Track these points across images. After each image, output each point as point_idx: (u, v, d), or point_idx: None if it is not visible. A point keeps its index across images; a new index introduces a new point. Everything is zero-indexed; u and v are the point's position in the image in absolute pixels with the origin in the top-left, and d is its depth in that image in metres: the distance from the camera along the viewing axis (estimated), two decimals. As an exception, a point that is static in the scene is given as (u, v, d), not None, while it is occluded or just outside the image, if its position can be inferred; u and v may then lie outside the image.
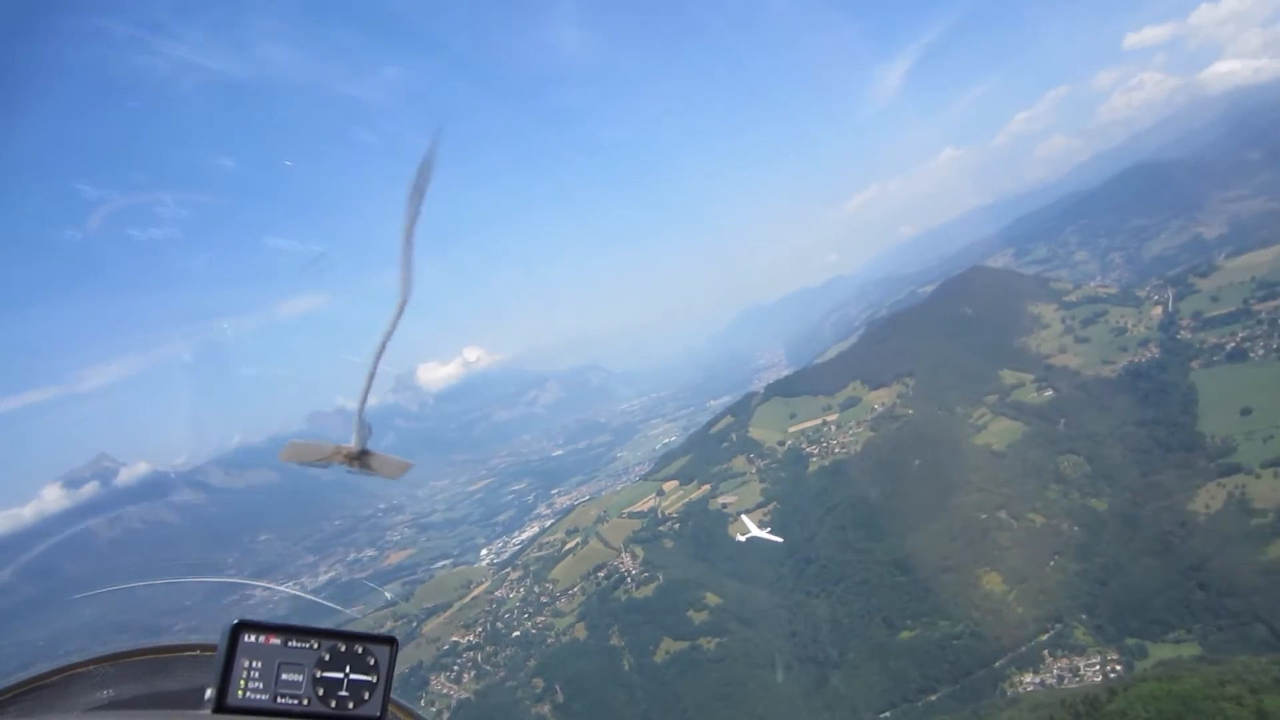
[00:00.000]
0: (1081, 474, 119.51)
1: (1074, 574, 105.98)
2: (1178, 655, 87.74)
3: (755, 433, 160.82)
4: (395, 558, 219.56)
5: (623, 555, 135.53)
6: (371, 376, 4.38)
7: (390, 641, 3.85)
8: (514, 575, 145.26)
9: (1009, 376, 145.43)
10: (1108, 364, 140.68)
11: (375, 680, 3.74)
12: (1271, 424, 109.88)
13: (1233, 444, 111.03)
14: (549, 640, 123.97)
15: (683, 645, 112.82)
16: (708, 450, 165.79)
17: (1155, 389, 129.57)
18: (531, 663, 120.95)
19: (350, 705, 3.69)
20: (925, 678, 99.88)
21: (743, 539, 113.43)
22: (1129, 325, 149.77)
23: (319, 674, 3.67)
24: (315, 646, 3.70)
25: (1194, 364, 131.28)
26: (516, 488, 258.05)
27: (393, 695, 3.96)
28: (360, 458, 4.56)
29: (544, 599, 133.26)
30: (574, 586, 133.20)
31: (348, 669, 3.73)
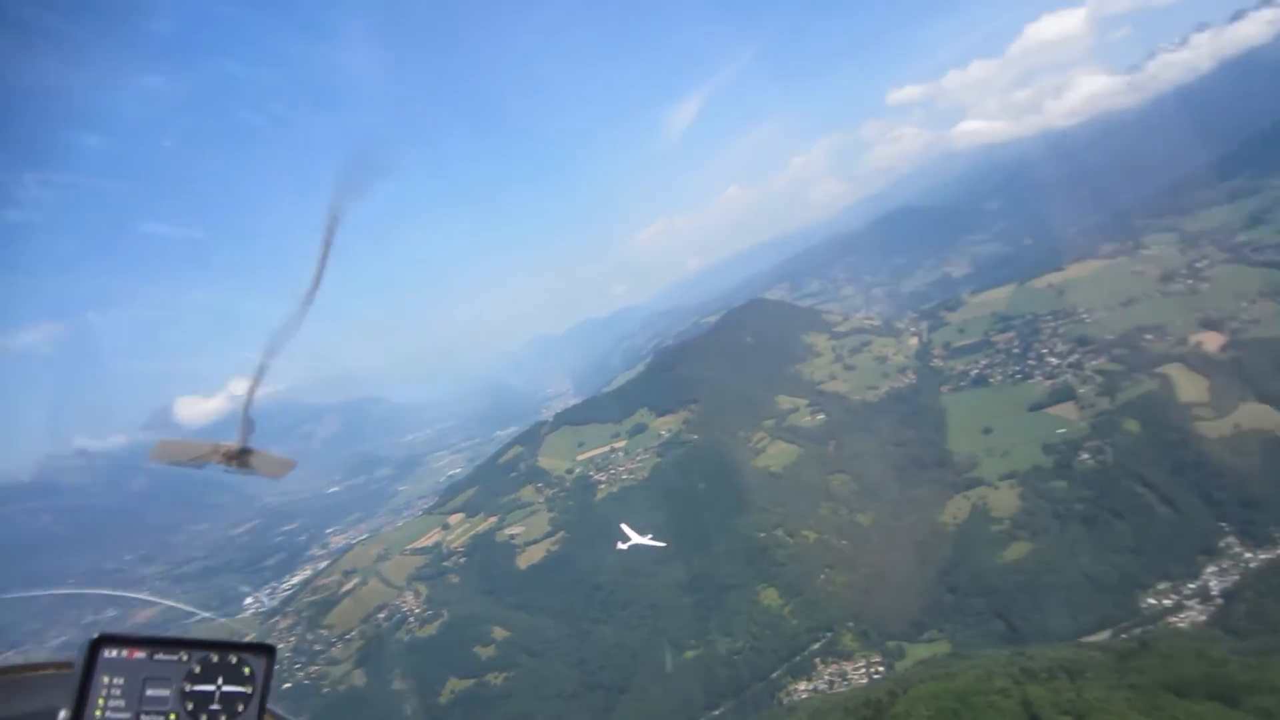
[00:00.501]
0: (850, 491, 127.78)
1: (842, 585, 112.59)
2: (932, 654, 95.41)
3: (544, 462, 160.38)
4: (143, 616, 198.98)
5: (405, 594, 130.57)
6: (261, 370, 4.35)
7: (267, 650, 3.67)
8: (283, 623, 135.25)
9: (785, 401, 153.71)
10: (872, 389, 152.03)
11: (250, 691, 3.49)
12: (1008, 441, 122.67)
13: (976, 460, 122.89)
14: (324, 689, 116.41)
15: (469, 683, 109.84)
16: (495, 481, 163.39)
17: (912, 412, 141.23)
18: (303, 718, 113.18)
19: (223, 719, 3.43)
20: (709, 694, 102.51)
21: (624, 546, 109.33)
22: (890, 354, 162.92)
23: (188, 688, 3.40)
24: (185, 659, 3.44)
25: (944, 389, 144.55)
26: (288, 528, 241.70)
27: (270, 707, 3.76)
28: (240, 456, 4.52)
29: (317, 646, 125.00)
30: (352, 630, 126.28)
31: (220, 681, 3.47)
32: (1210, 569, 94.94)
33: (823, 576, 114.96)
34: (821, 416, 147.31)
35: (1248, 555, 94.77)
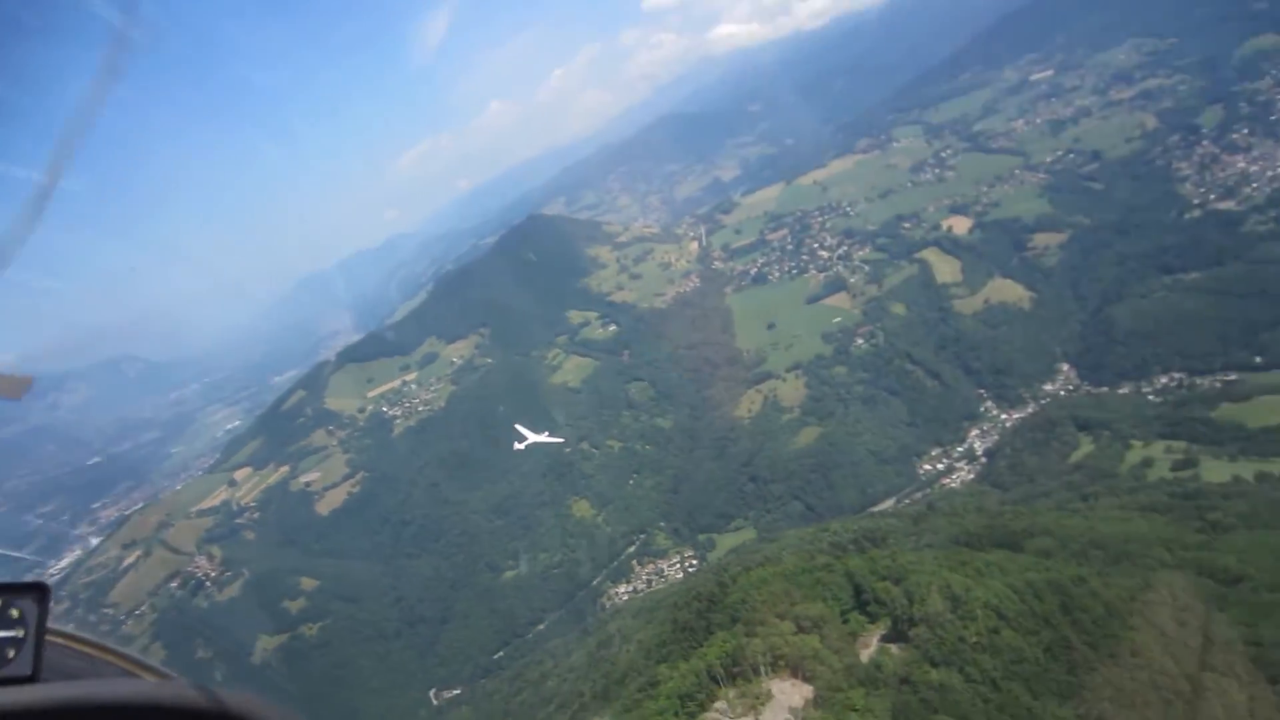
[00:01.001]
0: (648, 398, 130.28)
1: (650, 488, 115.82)
2: (741, 541, 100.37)
3: (332, 403, 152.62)
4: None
5: (198, 559, 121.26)
6: None
7: (38, 589, 3.12)
8: (58, 610, 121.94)
9: (576, 316, 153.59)
10: (659, 296, 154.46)
11: (23, 635, 2.99)
12: (791, 335, 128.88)
13: (764, 354, 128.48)
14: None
15: (282, 638, 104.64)
16: (281, 429, 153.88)
17: (700, 315, 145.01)
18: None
19: None
20: (532, 610, 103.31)
21: (521, 447, 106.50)
22: (673, 260, 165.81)
23: None
24: None
25: (727, 290, 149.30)
26: (45, 510, 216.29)
27: (67, 629, 3.51)
28: None
29: (104, 627, 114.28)
30: (141, 606, 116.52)
31: None
32: (974, 432, 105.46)
33: (631, 482, 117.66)
34: (613, 327, 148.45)
35: (1003, 416, 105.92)
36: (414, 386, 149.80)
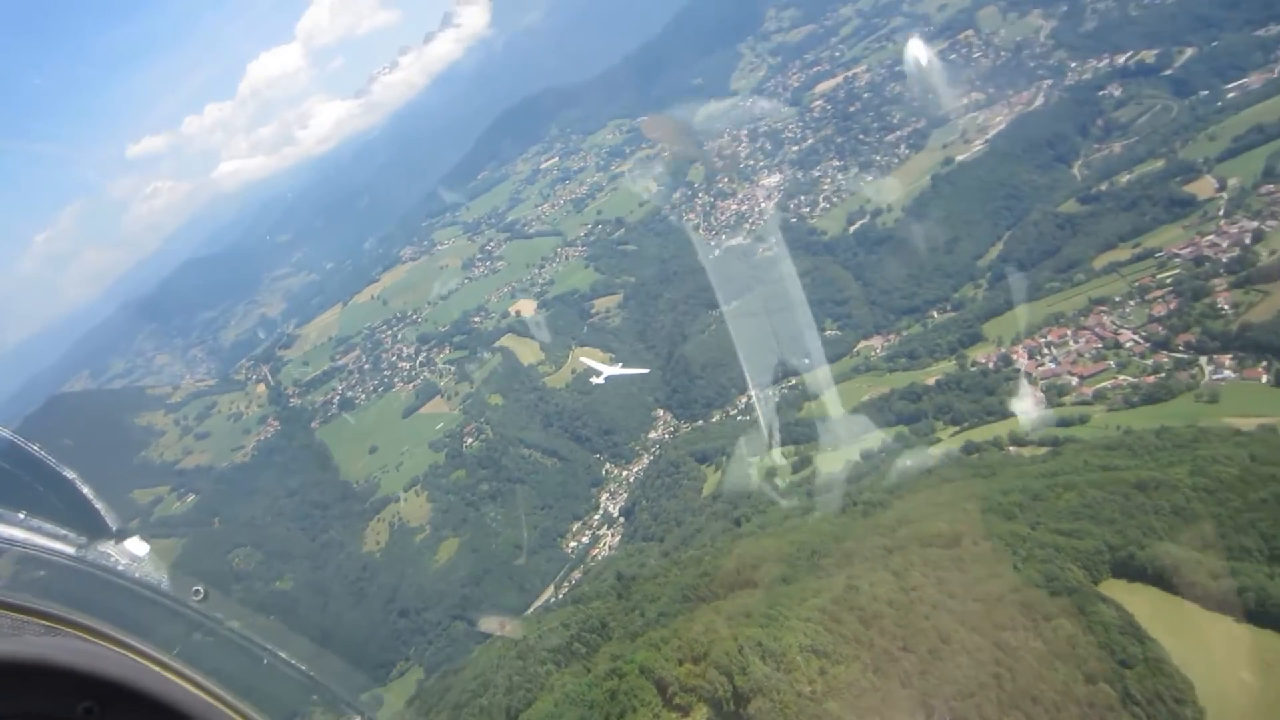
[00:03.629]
0: (256, 563, 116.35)
1: (284, 664, 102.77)
2: (414, 684, 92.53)
3: None
4: None
5: None
6: None
7: None
8: None
9: (143, 495, 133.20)
10: (238, 450, 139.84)
11: None
12: (398, 453, 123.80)
13: (376, 481, 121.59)
14: None
15: None
16: None
17: (291, 458, 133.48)
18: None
19: None
20: None
21: (600, 380, 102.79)
22: (243, 409, 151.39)
23: None
24: None
25: (314, 424, 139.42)
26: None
27: None
28: None
29: None
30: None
31: None
32: (604, 496, 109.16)
33: (265, 663, 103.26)
34: (193, 497, 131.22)
35: (625, 474, 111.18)
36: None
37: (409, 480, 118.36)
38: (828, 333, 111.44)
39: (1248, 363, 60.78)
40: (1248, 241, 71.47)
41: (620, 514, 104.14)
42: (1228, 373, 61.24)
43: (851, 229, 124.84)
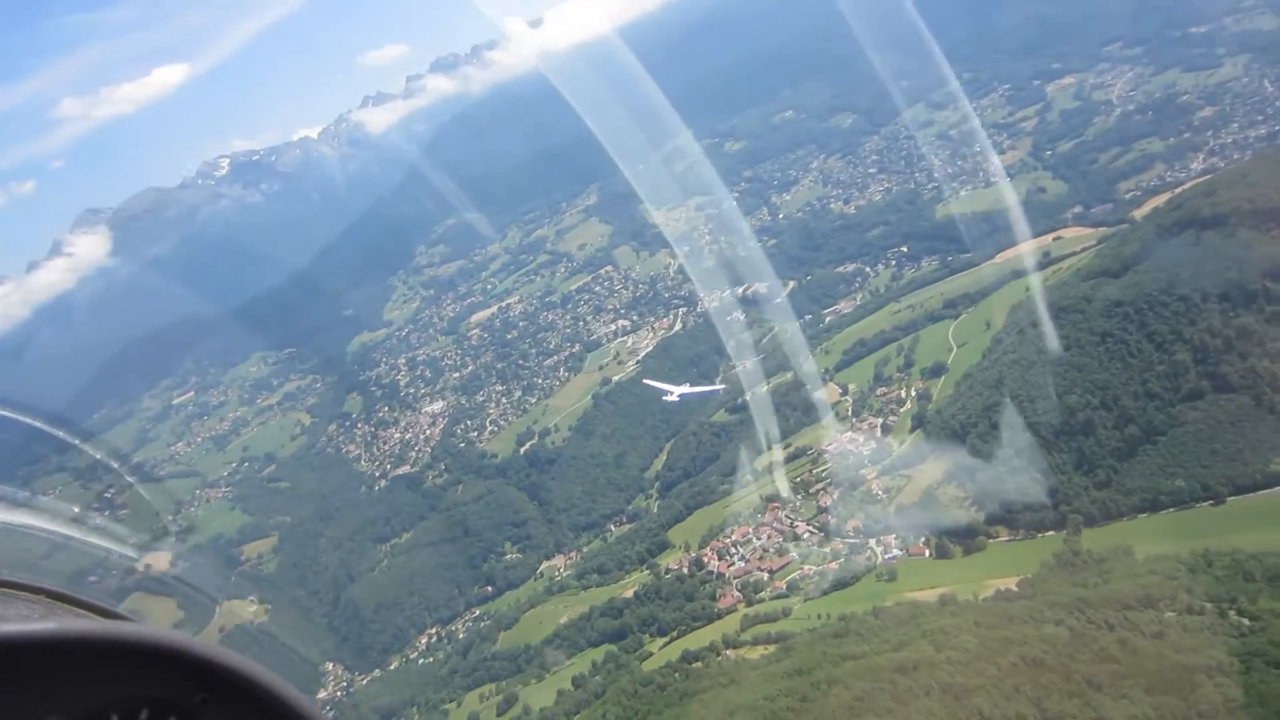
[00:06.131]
0: None
1: None
2: None
3: None
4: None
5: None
6: None
7: None
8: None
9: None
10: None
11: None
12: None
13: None
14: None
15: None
16: None
17: None
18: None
19: None
20: None
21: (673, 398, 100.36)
22: None
23: None
24: None
25: None
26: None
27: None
28: None
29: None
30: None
31: None
32: None
33: None
34: None
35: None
36: None
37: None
38: (508, 556, 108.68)
39: (910, 540, 68.04)
40: (879, 435, 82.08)
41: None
42: (896, 551, 67.97)
43: (522, 450, 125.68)
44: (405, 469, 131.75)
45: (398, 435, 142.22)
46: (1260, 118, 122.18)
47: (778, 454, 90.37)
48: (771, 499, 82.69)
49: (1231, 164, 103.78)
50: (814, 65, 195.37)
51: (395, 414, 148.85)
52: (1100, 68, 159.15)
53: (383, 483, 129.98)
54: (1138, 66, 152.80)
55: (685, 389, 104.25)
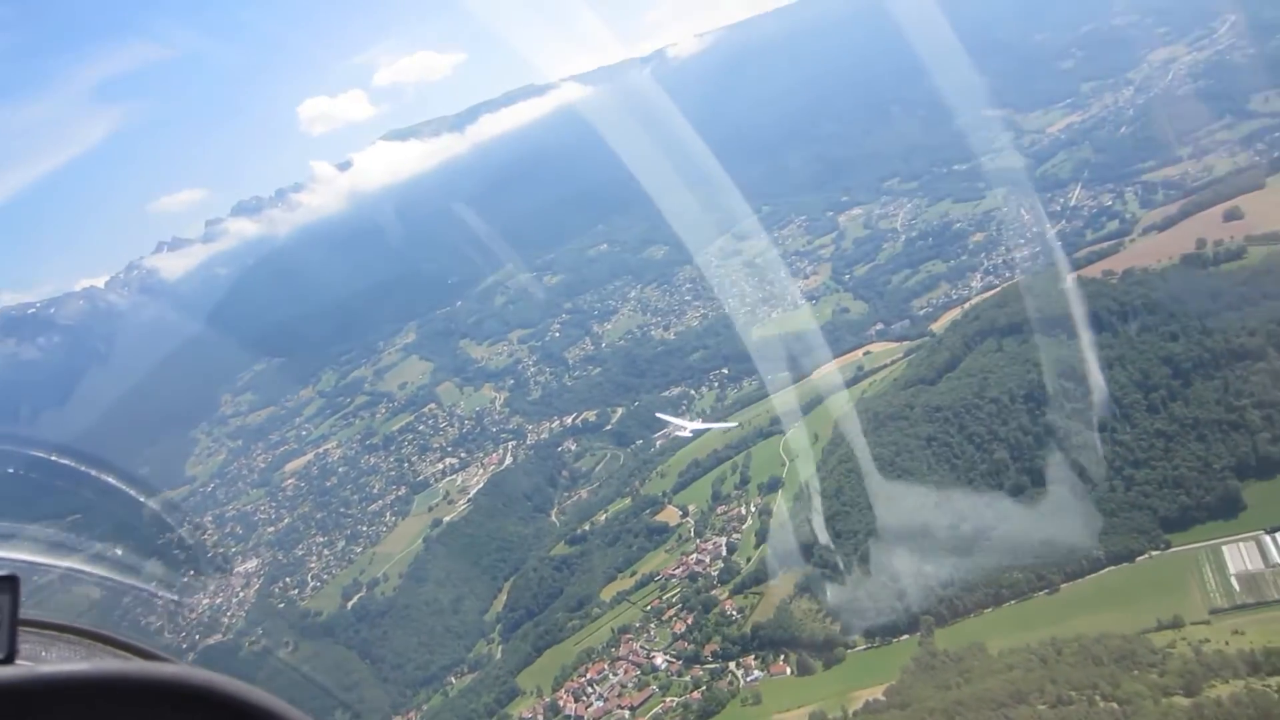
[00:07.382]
0: None
1: None
2: None
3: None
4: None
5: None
6: None
7: (8, 580, 2.80)
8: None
9: None
10: None
11: None
12: None
13: None
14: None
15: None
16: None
17: None
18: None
19: None
20: None
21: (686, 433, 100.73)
22: None
23: None
24: None
25: None
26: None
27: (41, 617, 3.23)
28: None
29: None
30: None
31: None
32: None
33: None
34: None
35: None
36: None
37: None
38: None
39: (770, 659, 66.99)
40: (725, 554, 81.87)
41: None
42: (757, 673, 66.55)
43: (349, 604, 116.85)
44: (217, 638, 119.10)
45: (206, 601, 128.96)
46: (1023, 240, 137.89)
47: (626, 582, 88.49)
48: (623, 630, 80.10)
49: (1007, 282, 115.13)
50: (623, 202, 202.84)
51: (202, 578, 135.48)
52: (883, 200, 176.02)
53: (191, 656, 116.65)
54: (915, 198, 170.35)
55: (699, 424, 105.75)
